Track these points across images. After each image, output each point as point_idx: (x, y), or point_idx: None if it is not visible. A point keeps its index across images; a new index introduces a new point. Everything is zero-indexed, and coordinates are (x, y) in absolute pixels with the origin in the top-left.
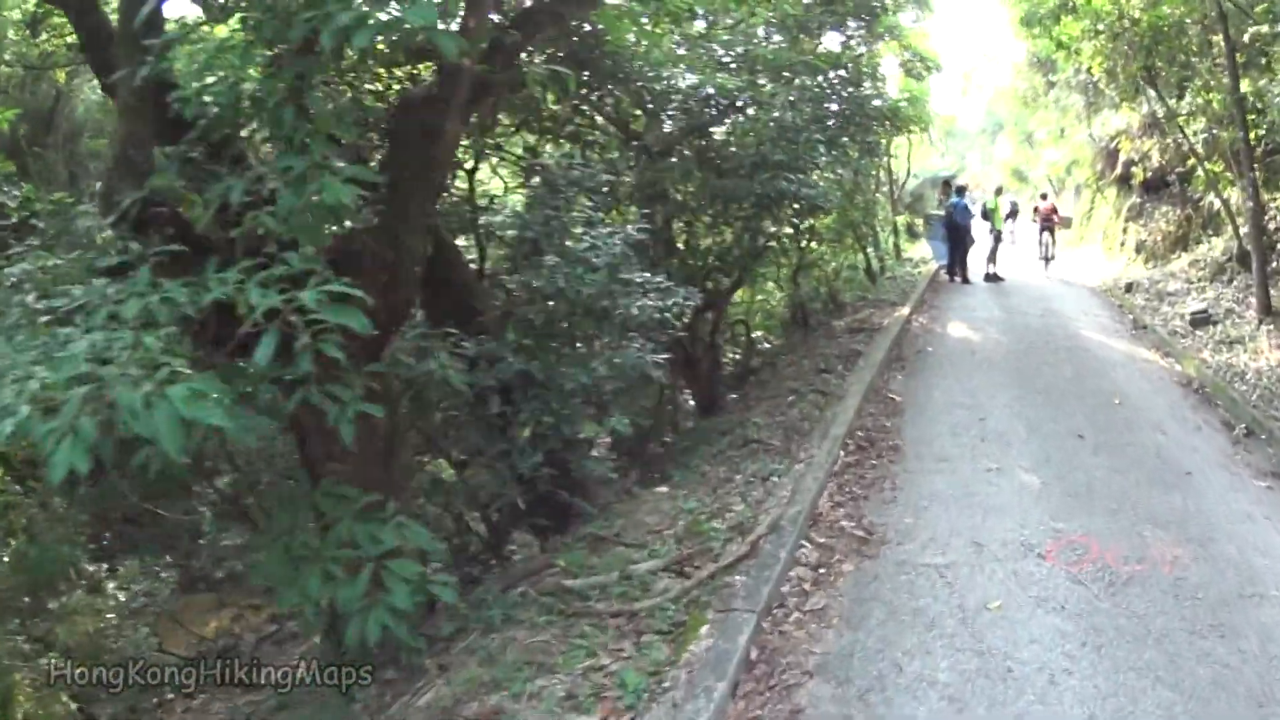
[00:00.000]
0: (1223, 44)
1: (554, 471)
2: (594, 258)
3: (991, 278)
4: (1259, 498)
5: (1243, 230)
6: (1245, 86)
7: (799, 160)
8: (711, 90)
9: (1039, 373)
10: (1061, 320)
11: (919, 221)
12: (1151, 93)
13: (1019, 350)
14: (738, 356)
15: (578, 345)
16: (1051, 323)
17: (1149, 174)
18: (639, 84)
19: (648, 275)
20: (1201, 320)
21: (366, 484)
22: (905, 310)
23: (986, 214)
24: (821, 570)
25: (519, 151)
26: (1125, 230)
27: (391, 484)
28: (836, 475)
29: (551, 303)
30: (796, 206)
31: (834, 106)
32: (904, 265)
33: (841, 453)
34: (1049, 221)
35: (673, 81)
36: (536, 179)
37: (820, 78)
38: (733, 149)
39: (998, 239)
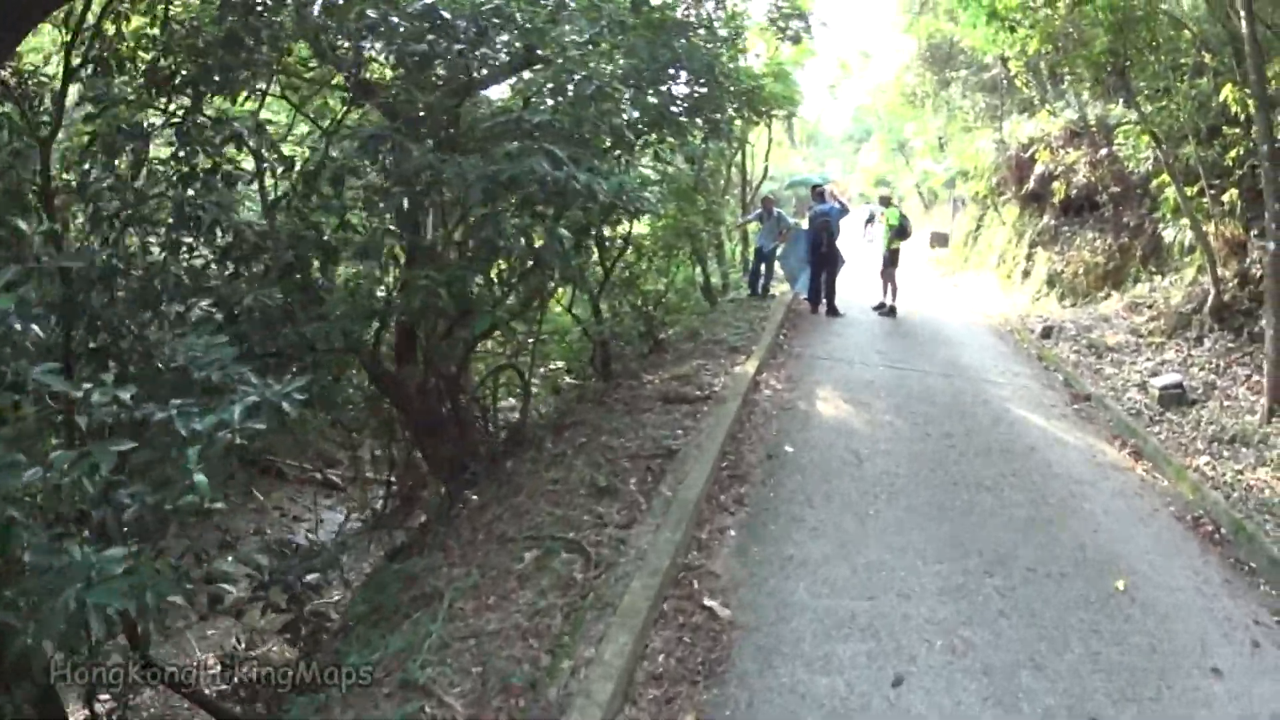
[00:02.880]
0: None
1: None
2: None
3: (886, 309)
4: None
5: (1224, 272)
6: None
7: (585, 131)
8: (445, 15)
9: (974, 512)
10: (975, 384)
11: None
12: (1084, 95)
13: (931, 452)
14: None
15: None
16: (962, 389)
17: (1074, 192)
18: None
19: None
20: (1175, 397)
21: None
22: (751, 364)
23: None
24: None
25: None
26: (1031, 258)
27: None
28: None
29: None
30: (587, 206)
31: (678, 74)
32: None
33: None
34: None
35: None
36: None
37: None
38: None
39: (893, 261)
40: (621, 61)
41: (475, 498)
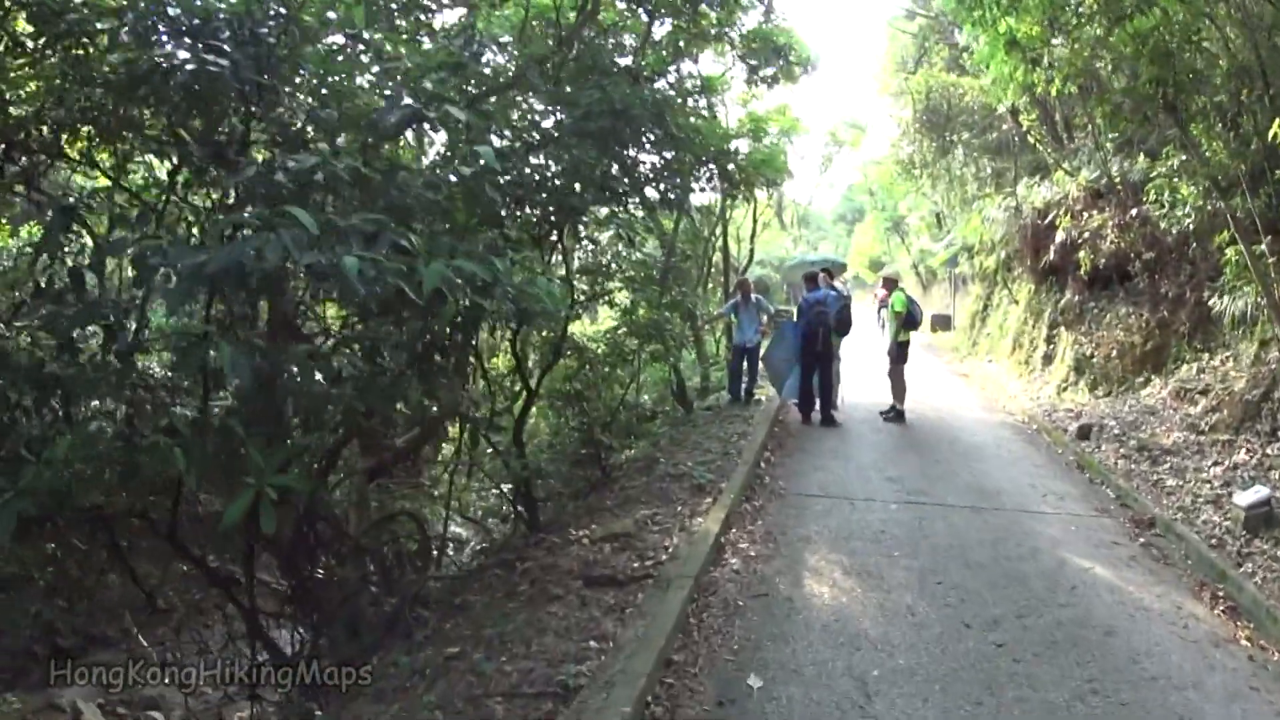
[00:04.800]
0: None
1: None
2: None
3: (894, 414)
4: None
5: None
6: None
7: (405, 190)
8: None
9: None
10: (1014, 520)
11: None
12: (1108, 147)
13: (975, 662)
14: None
15: None
16: (1001, 532)
17: (1101, 261)
18: None
19: None
20: (1263, 518)
21: None
22: (716, 515)
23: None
24: None
25: None
26: (1053, 340)
27: None
28: None
29: None
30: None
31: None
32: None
33: None
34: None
35: None
36: None
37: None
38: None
39: (901, 357)
40: (534, 105)
41: (319, 713)
